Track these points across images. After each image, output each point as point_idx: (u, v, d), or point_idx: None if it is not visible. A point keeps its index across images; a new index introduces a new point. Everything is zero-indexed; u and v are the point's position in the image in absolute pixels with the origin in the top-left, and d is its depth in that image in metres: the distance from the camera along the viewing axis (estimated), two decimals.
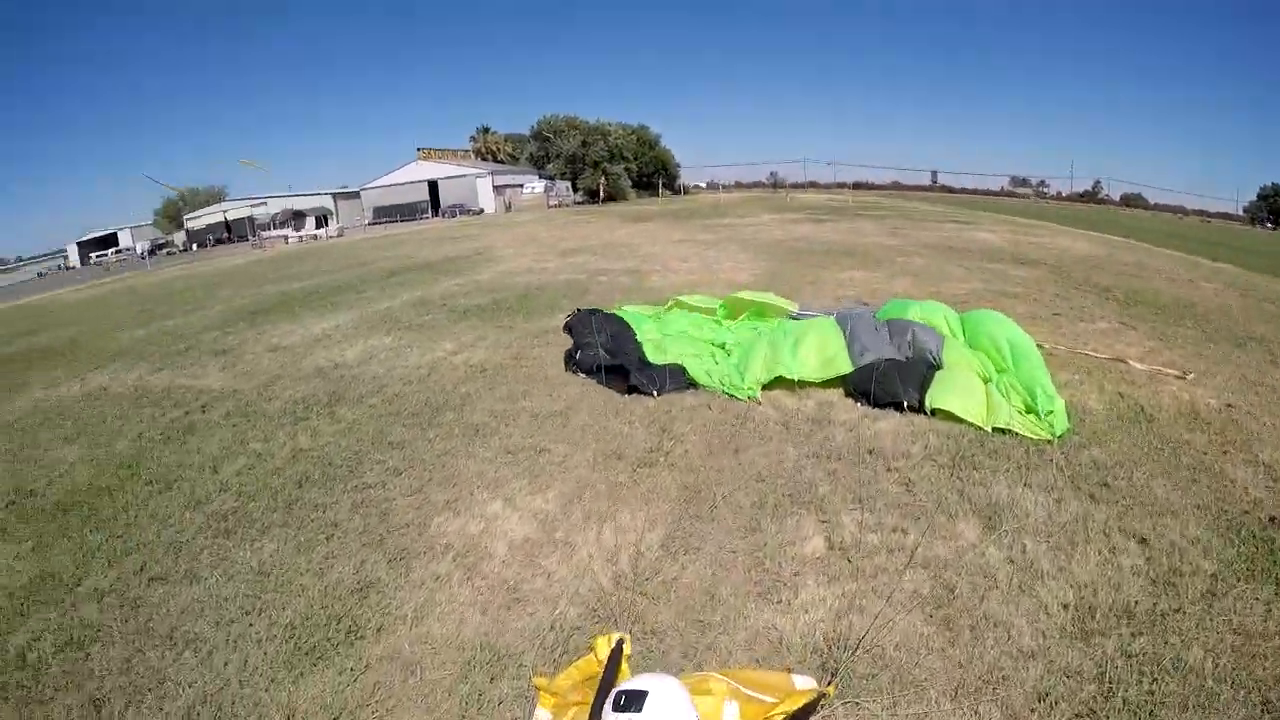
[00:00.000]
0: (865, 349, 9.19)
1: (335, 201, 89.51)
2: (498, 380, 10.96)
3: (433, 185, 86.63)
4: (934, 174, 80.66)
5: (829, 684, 3.93)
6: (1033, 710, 4.04)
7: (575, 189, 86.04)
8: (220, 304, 22.96)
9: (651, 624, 5.01)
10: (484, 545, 6.36)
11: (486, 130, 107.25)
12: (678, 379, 9.56)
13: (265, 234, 72.04)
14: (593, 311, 13.30)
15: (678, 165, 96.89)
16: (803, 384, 9.13)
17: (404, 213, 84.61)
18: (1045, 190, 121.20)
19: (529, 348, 12.70)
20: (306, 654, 5.11)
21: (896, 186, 79.56)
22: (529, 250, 29.13)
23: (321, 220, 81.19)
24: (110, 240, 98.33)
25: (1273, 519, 5.87)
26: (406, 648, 5.06)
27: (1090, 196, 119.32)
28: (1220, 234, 62.36)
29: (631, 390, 9.54)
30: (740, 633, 4.84)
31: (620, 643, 3.53)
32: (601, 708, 2.61)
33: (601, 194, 79.23)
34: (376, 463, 8.30)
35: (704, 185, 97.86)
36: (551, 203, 78.81)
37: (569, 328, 13.07)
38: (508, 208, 79.14)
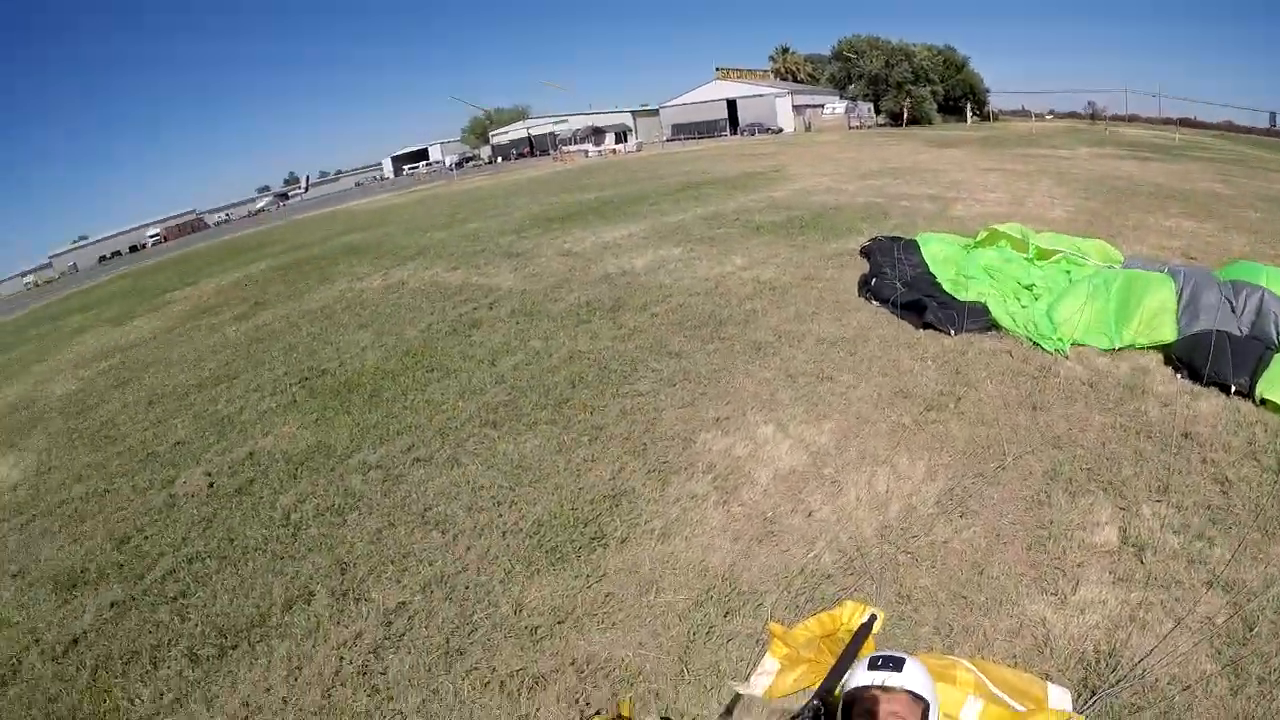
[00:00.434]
0: (1197, 315, 7.85)
1: (634, 119, 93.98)
2: (786, 299, 10.64)
3: (731, 104, 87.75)
4: (1273, 115, 65.05)
5: (1085, 710, 3.49)
6: None
7: (878, 111, 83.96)
8: (519, 211, 24.98)
9: (909, 588, 4.59)
10: (747, 470, 6.14)
11: (786, 50, 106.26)
12: (978, 318, 8.77)
13: (566, 148, 77.68)
14: (894, 239, 12.72)
15: (986, 90, 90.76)
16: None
17: (701, 130, 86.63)
18: None
19: (822, 269, 12.21)
20: (547, 553, 5.24)
21: (1230, 127, 66.53)
22: (827, 170, 28.35)
23: (621, 136, 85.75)
24: (421, 155, 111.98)
25: None
26: (647, 564, 5.00)
27: None
28: None
29: (927, 326, 8.91)
30: (1004, 620, 4.29)
31: (872, 618, 3.40)
32: (840, 673, 2.58)
33: (905, 117, 76.46)
34: (651, 370, 8.42)
35: (1016, 111, 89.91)
36: (853, 124, 77.54)
37: (866, 253, 12.59)
38: (807, 127, 78.43)
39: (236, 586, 5.39)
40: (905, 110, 76.07)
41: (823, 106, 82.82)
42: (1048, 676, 3.70)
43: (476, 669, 4.22)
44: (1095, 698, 3.64)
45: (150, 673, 4.61)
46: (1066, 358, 7.90)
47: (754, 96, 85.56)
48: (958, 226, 14.57)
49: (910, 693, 2.28)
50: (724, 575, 4.83)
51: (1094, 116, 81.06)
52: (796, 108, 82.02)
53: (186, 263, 31.88)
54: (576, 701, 3.94)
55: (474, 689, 4.09)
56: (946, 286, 9.81)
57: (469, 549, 5.38)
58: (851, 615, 3.58)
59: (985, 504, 5.45)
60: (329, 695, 4.18)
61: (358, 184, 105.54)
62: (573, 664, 4.18)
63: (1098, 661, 3.95)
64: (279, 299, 15.81)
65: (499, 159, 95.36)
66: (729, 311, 10.25)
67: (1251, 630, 4.13)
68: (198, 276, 23.60)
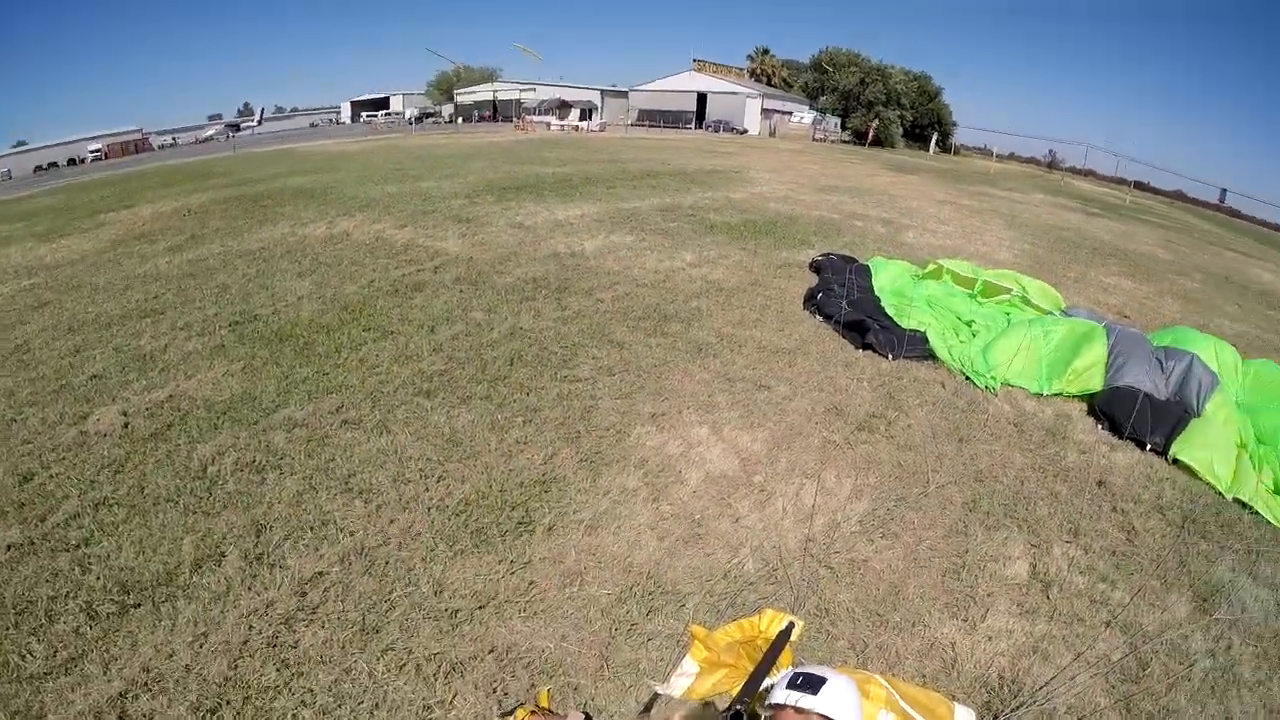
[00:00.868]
0: (1123, 370, 8.34)
1: (602, 98, 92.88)
2: (732, 302, 10.73)
3: (701, 97, 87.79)
4: (1223, 192, 69.44)
5: None
6: None
7: (844, 127, 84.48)
8: (474, 175, 24.48)
9: (829, 601, 4.75)
10: (679, 469, 6.19)
11: (765, 52, 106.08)
12: (917, 346, 9.08)
13: (530, 117, 76.52)
14: (847, 259, 13.07)
15: (954, 123, 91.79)
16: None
17: (668, 119, 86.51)
18: None
19: (770, 276, 12.35)
20: (473, 534, 5.17)
21: (1180, 196, 70.38)
22: (787, 178, 28.60)
23: (586, 113, 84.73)
24: (382, 103, 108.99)
25: None
26: (573, 555, 5.00)
27: None
28: None
29: (867, 347, 9.15)
30: (916, 640, 4.51)
31: (790, 626, 3.35)
32: (758, 681, 2.61)
33: (870, 137, 77.26)
34: (592, 358, 8.38)
35: (979, 148, 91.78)
36: (817, 136, 78.10)
37: (816, 267, 12.87)
38: (772, 132, 79.03)
39: (144, 539, 5.10)
40: (870, 130, 76.92)
41: (790, 114, 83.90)
42: (954, 697, 3.78)
43: (392, 649, 4.13)
44: None
45: (45, 626, 4.29)
46: (996, 395, 8.19)
47: (725, 94, 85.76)
48: (907, 253, 14.98)
49: (825, 717, 2.25)
50: (649, 573, 4.85)
51: (1052, 165, 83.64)
52: (765, 111, 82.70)
53: (126, 183, 30.18)
54: (495, 690, 3.91)
55: (389, 670, 4.00)
56: (890, 311, 10.02)
57: (392, 522, 5.26)
58: (770, 623, 3.50)
59: (906, 528, 5.64)
60: (235, 666, 4.00)
61: (313, 124, 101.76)
62: (492, 652, 4.14)
63: (1001, 687, 4.19)
64: (217, 234, 15.15)
65: (460, 119, 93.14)
66: (675, 307, 10.27)
67: (1145, 670, 4.45)
68: (135, 200, 22.36)
